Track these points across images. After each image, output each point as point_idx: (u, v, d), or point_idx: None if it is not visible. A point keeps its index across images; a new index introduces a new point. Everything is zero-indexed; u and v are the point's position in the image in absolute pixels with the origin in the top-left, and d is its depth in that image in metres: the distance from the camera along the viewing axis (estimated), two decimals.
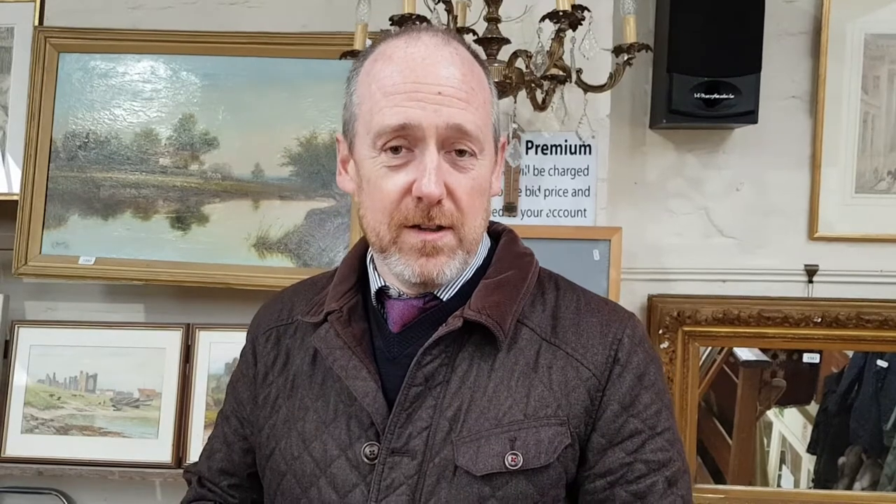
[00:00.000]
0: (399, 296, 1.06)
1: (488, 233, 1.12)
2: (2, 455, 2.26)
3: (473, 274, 1.07)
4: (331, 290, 1.09)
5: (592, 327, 1.04)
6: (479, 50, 1.49)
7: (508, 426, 0.98)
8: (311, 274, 2.14)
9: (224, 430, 1.20)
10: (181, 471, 2.18)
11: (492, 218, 1.12)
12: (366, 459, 0.99)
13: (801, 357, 2.32)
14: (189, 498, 1.21)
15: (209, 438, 1.23)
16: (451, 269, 1.00)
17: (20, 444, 2.27)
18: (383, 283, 1.06)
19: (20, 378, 2.30)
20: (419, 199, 0.96)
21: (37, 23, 2.36)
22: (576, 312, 1.06)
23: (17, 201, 2.27)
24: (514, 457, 0.97)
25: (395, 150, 0.97)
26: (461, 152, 0.98)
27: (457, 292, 1.05)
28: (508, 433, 0.98)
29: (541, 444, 0.98)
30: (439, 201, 0.96)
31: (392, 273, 1.03)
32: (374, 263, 1.09)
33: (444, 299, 1.05)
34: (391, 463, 0.98)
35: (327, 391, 1.05)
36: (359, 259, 1.12)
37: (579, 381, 1.01)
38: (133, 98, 2.28)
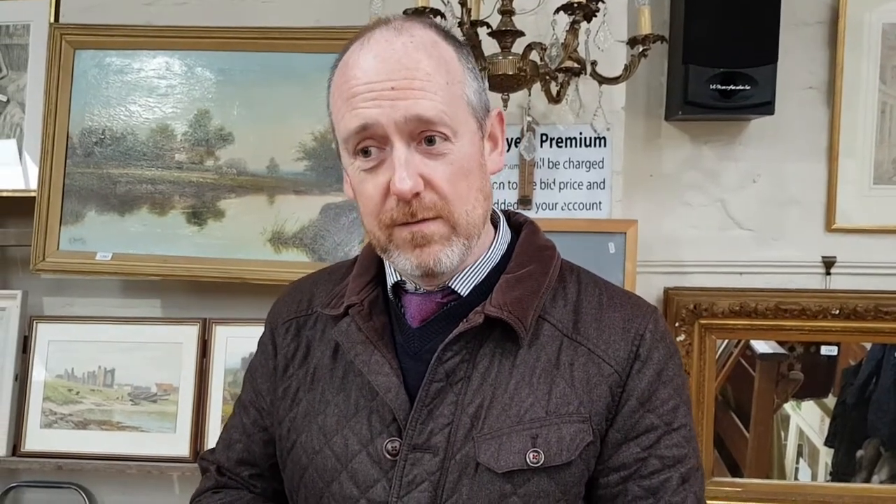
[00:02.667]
0: (416, 290, 1.05)
1: (509, 224, 1.12)
2: (22, 450, 2.28)
3: (494, 267, 1.06)
4: (350, 283, 1.09)
5: (615, 322, 1.03)
6: (456, 31, 1.45)
7: (530, 423, 0.98)
8: None
9: (243, 420, 1.19)
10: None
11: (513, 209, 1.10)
12: (387, 455, 0.99)
13: (818, 350, 2.31)
14: (209, 485, 1.20)
15: (226, 427, 1.22)
16: (450, 257, 0.98)
17: (39, 439, 2.29)
18: (399, 278, 1.06)
19: (39, 373, 2.31)
20: (398, 196, 0.94)
21: (52, 20, 2.37)
22: (598, 307, 1.05)
23: (34, 198, 2.28)
24: (535, 454, 0.97)
25: (366, 152, 0.96)
26: (431, 140, 0.95)
27: (476, 286, 1.04)
28: (530, 430, 0.97)
29: (562, 441, 0.98)
30: (417, 194, 0.94)
31: (397, 270, 1.03)
32: None
33: (464, 294, 1.04)
34: (413, 459, 0.98)
35: (348, 385, 1.05)
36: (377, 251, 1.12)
37: (601, 377, 1.00)
38: (148, 94, 2.29)
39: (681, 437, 1.02)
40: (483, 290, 1.03)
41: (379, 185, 0.96)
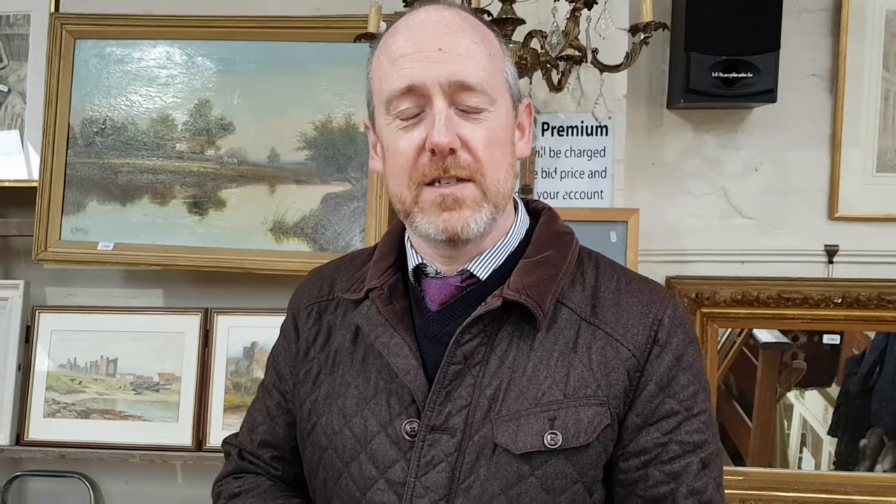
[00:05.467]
0: (436, 274, 1.07)
1: (528, 211, 1.14)
2: (25, 439, 2.29)
3: (512, 252, 1.07)
4: (371, 268, 1.10)
5: (633, 307, 1.04)
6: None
7: (548, 406, 0.99)
8: (328, 258, 2.17)
9: (266, 403, 1.20)
10: (201, 453, 2.22)
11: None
12: (406, 436, 1.01)
13: (821, 339, 2.30)
14: (230, 470, 1.21)
15: (249, 411, 1.23)
16: (479, 223, 0.99)
17: (43, 428, 2.29)
18: (420, 261, 1.08)
19: (42, 363, 2.32)
20: (433, 152, 0.96)
21: (53, 9, 2.37)
22: (616, 292, 1.06)
23: (36, 188, 2.28)
24: (553, 436, 0.98)
25: (407, 111, 0.99)
26: (472, 106, 0.98)
27: (495, 271, 1.05)
28: (548, 412, 0.99)
29: (580, 423, 0.99)
30: (453, 151, 0.96)
31: (419, 236, 1.04)
32: (410, 241, 1.10)
33: (482, 278, 1.05)
34: (431, 440, 1.00)
35: (368, 368, 1.06)
36: (398, 237, 1.13)
37: (619, 361, 1.01)
38: (149, 84, 2.28)
39: (700, 423, 1.03)
40: (501, 274, 1.05)
41: (414, 141, 0.98)
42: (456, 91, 0.97)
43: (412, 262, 1.08)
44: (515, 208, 1.12)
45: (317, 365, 1.12)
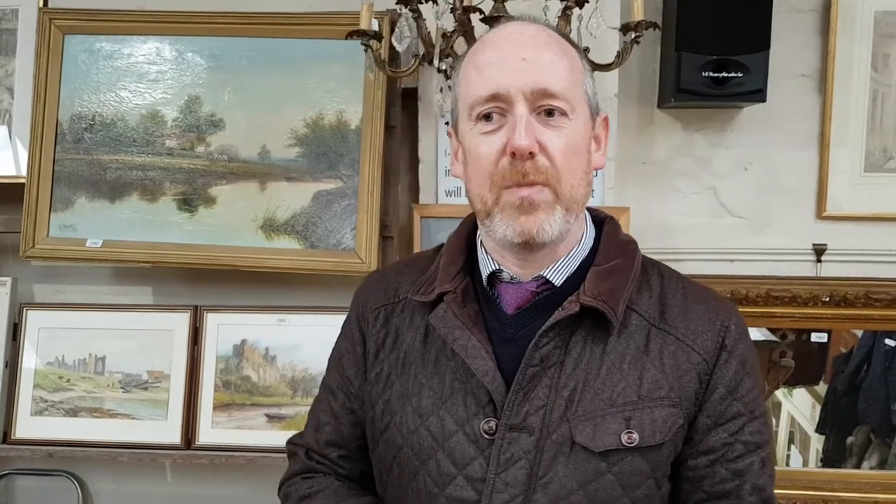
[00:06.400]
0: (511, 279, 1.11)
1: (592, 219, 1.18)
2: (12, 437, 2.27)
3: (583, 261, 1.12)
4: (441, 272, 1.14)
5: (701, 314, 1.10)
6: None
7: (623, 406, 1.04)
8: (319, 256, 2.18)
9: (331, 404, 1.23)
10: (191, 452, 2.22)
11: None
12: (485, 435, 1.05)
13: (809, 337, 2.32)
14: (297, 470, 1.25)
15: (313, 411, 1.26)
16: (553, 227, 1.03)
17: (30, 426, 2.28)
18: (497, 267, 1.11)
19: (29, 360, 2.31)
20: (513, 155, 1.01)
21: (41, 4, 2.35)
22: (683, 300, 1.11)
23: (24, 184, 2.27)
24: (629, 435, 1.03)
25: (489, 117, 1.04)
26: (551, 113, 1.03)
27: (569, 277, 1.10)
28: (623, 413, 1.04)
29: (655, 423, 1.04)
30: (532, 155, 1.00)
31: (496, 239, 1.07)
32: (484, 247, 1.13)
33: (557, 284, 1.10)
34: (510, 438, 1.04)
35: (441, 369, 1.10)
36: (465, 241, 1.17)
37: (690, 365, 1.07)
38: (139, 80, 2.27)
39: (761, 424, 1.10)
40: (574, 281, 1.09)
41: (495, 146, 1.03)
42: (538, 98, 1.02)
43: (487, 267, 1.12)
44: (585, 218, 1.17)
45: (387, 366, 1.16)
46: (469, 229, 1.18)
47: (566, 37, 1.12)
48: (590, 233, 1.15)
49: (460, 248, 1.17)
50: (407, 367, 1.13)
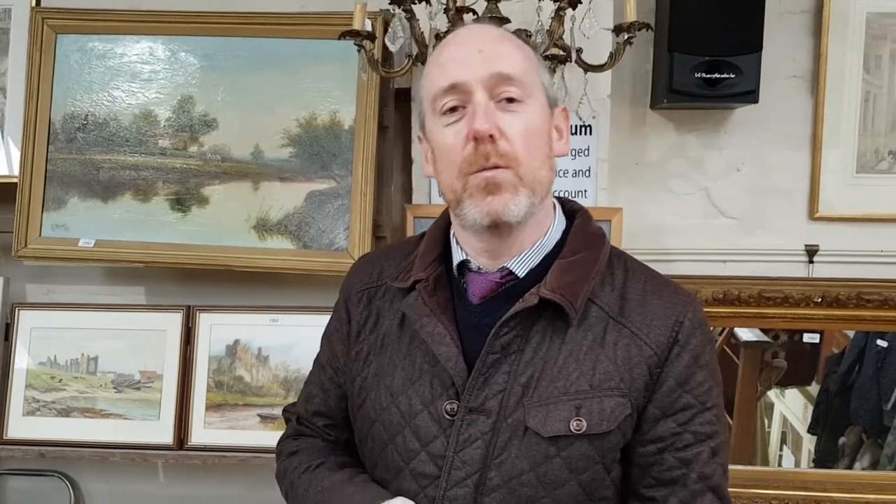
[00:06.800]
0: (478, 270, 1.17)
1: (564, 212, 1.22)
2: (4, 437, 2.27)
3: (549, 252, 1.16)
4: (417, 260, 1.20)
5: (657, 309, 1.14)
6: None
7: (575, 395, 1.09)
8: (312, 256, 2.18)
9: (320, 377, 1.32)
10: (183, 452, 2.22)
11: None
12: (446, 415, 1.11)
13: (801, 338, 2.32)
14: (290, 433, 1.35)
15: (306, 383, 1.36)
16: (518, 207, 1.08)
17: (22, 427, 2.27)
18: (465, 257, 1.17)
19: (21, 360, 2.30)
20: (476, 140, 1.06)
21: (34, 3, 2.34)
22: (642, 294, 1.15)
23: (16, 184, 2.26)
24: (578, 422, 1.08)
25: (453, 109, 1.10)
26: (510, 100, 1.09)
27: (532, 269, 1.15)
28: (575, 401, 1.09)
29: (604, 412, 1.09)
30: (493, 139, 1.06)
31: (466, 226, 1.13)
32: (456, 238, 1.19)
33: (520, 276, 1.15)
34: (469, 420, 1.10)
35: (413, 352, 1.17)
36: (442, 231, 1.23)
37: (641, 357, 1.11)
38: (131, 79, 2.27)
39: (713, 416, 1.13)
40: (538, 272, 1.14)
41: (460, 133, 1.09)
42: (495, 84, 1.08)
43: (457, 257, 1.18)
44: (554, 209, 1.21)
45: (367, 346, 1.22)
46: (447, 220, 1.23)
47: (524, 39, 1.19)
48: (558, 225, 1.19)
49: (437, 238, 1.23)
50: (384, 348, 1.20)
